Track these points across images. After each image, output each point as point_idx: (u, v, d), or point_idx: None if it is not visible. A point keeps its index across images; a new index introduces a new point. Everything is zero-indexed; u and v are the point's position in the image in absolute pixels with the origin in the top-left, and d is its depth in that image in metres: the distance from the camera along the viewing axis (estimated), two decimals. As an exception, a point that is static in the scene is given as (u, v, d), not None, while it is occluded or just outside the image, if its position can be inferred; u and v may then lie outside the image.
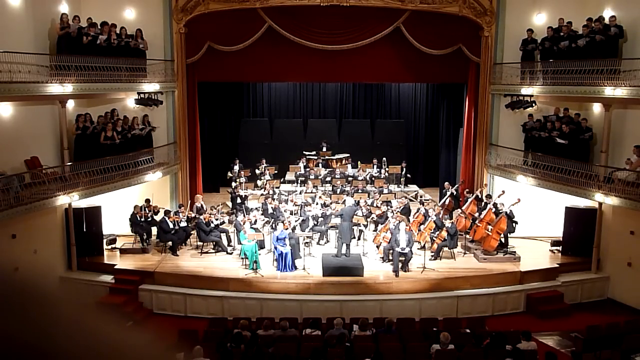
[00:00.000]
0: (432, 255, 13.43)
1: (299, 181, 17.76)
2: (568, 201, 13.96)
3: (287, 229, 12.94)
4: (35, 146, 12.47)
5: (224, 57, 15.66)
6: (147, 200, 14.30)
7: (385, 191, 16.47)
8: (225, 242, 14.12)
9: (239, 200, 15.77)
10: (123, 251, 13.98)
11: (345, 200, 14.23)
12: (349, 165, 18.37)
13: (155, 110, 15.27)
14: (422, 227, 14.00)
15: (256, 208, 15.17)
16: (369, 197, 15.59)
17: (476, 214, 14.09)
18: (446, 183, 16.09)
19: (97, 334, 0.76)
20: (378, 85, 21.25)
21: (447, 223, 13.37)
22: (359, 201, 15.20)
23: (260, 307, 11.97)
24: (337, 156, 18.91)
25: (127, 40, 14.05)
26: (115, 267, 13.17)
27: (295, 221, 13.68)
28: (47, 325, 0.72)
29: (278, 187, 16.68)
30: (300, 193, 16.21)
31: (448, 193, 15.51)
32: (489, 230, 13.36)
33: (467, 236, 14.35)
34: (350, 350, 8.53)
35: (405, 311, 11.65)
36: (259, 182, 16.88)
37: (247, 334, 9.21)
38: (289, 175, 18.54)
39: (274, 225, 14.19)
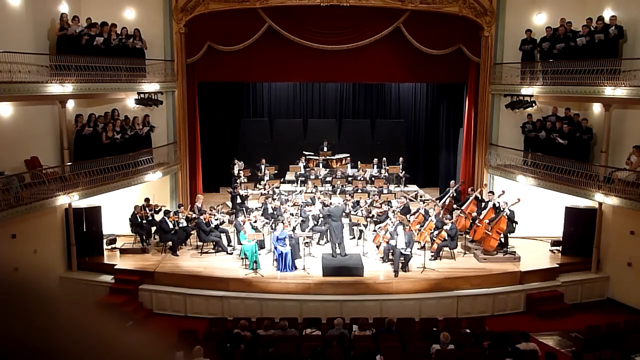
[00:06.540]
0: (432, 255, 13.42)
1: (299, 181, 17.77)
2: (568, 201, 13.96)
3: (286, 228, 12.94)
4: (35, 146, 12.47)
5: (224, 57, 15.66)
6: (147, 200, 14.31)
7: (385, 191, 16.47)
8: (225, 242, 14.12)
9: (239, 200, 15.77)
10: (123, 251, 13.98)
11: (332, 200, 14.23)
12: (349, 165, 18.36)
13: (155, 110, 15.27)
14: (422, 227, 14.00)
15: (256, 208, 15.18)
16: (368, 197, 15.60)
17: (476, 214, 14.10)
18: (452, 182, 16.06)
19: (97, 334, 0.76)
20: (378, 85, 21.23)
21: (448, 224, 13.36)
22: (358, 201, 15.21)
23: (260, 307, 11.97)
24: (337, 156, 18.90)
25: (127, 40, 14.03)
26: (115, 267, 13.18)
27: (295, 221, 13.67)
28: (47, 325, 0.72)
29: (278, 187, 16.67)
30: (300, 193, 16.20)
31: (449, 193, 15.52)
32: (489, 230, 13.36)
33: (467, 236, 14.35)
34: (350, 350, 8.52)
35: (405, 311, 11.64)
36: (259, 182, 16.89)
37: (247, 334, 9.21)
38: (289, 175, 18.54)
39: (274, 225, 14.20)
